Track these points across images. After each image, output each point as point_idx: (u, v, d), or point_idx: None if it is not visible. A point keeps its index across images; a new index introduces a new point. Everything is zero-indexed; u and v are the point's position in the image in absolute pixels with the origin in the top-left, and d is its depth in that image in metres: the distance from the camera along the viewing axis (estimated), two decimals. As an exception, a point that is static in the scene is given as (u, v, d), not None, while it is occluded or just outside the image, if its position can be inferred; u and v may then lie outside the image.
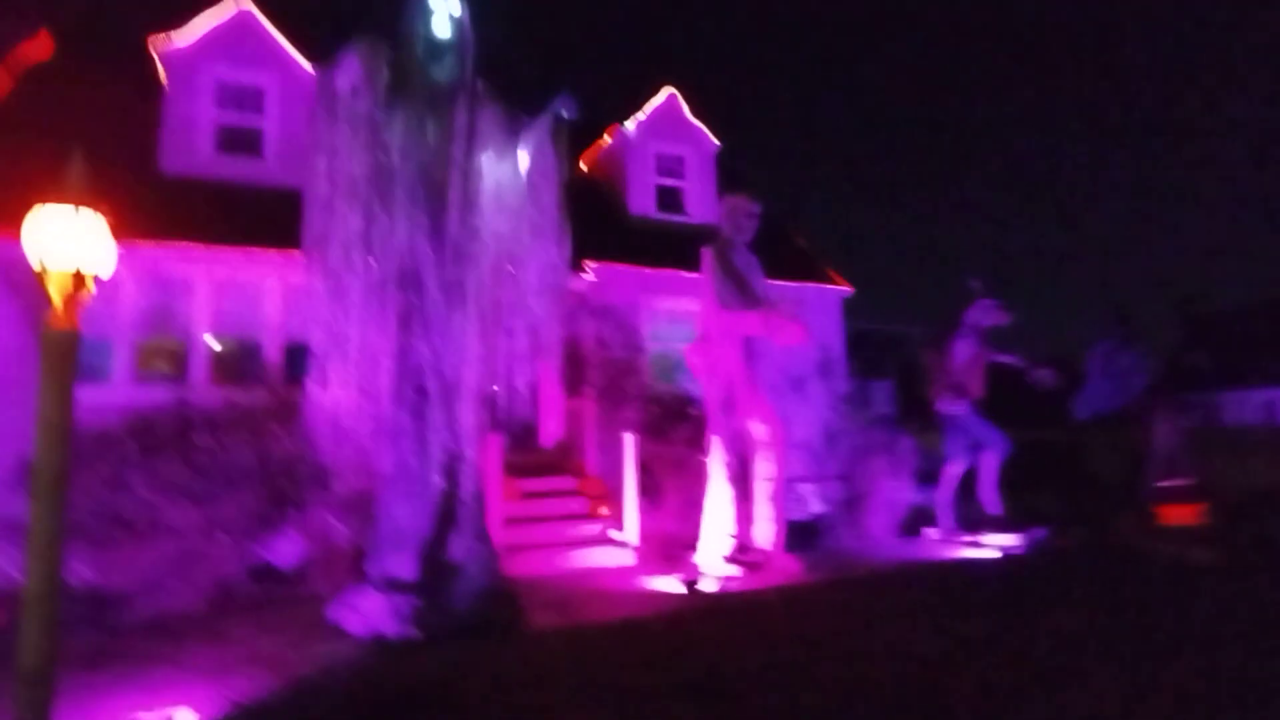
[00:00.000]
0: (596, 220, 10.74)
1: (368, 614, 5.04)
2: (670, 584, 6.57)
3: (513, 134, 5.73)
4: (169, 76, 8.54)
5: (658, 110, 11.28)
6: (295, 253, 5.41)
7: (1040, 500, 11.08)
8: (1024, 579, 6.70)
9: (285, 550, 6.75)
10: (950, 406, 8.86)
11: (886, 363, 16.61)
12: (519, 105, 5.91)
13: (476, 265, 5.67)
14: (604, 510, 8.05)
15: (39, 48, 9.55)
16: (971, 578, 6.92)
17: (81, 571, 5.74)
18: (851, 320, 15.73)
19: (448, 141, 5.56)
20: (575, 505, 8.17)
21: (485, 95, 5.80)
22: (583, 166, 11.98)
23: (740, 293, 7.44)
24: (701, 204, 11.33)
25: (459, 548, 5.46)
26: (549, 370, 9.62)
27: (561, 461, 9.07)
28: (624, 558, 7.59)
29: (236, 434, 6.24)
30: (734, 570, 6.99)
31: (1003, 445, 8.85)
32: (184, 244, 7.55)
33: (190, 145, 8.45)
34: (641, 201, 11.14)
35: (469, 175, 5.64)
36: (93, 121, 8.51)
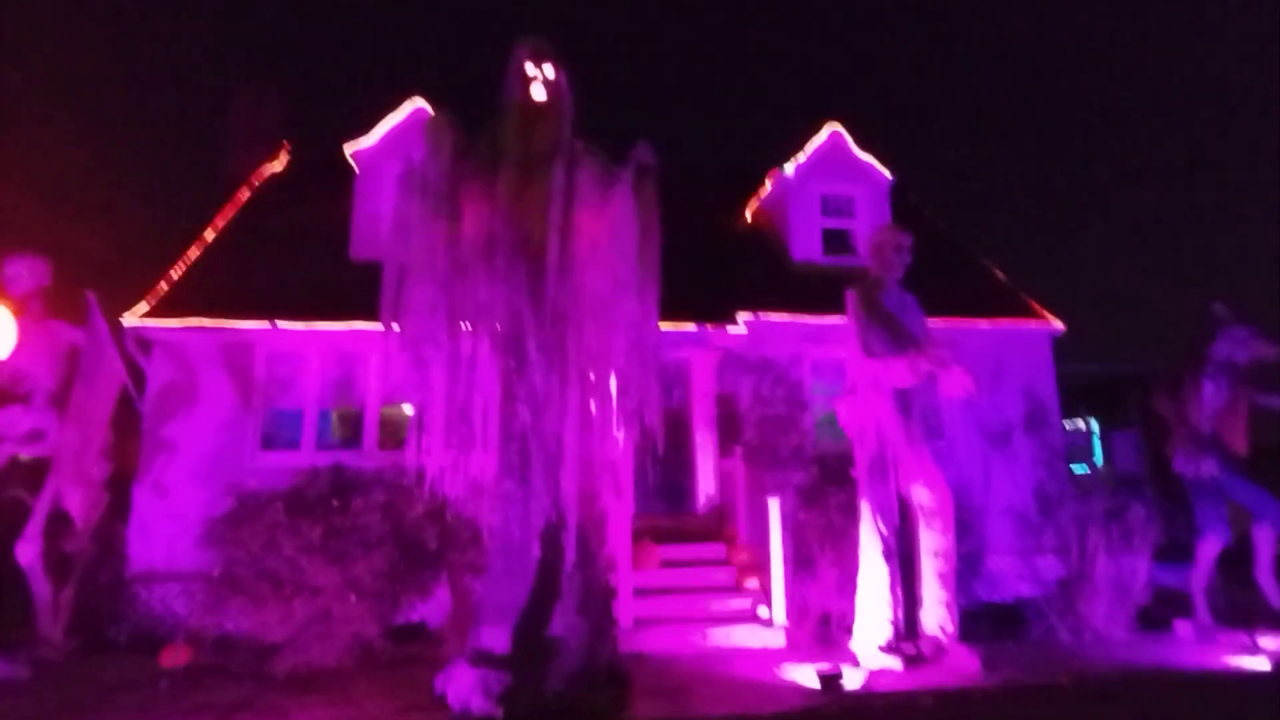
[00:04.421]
0: (756, 270, 10.28)
1: (460, 687, 4.91)
2: (809, 676, 5.71)
3: (609, 189, 5.58)
4: (359, 174, 9.66)
5: (821, 149, 10.63)
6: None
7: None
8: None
9: (426, 611, 6.94)
10: (1194, 466, 6.96)
11: (1130, 410, 13.88)
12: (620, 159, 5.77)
13: (577, 326, 5.54)
14: (751, 583, 7.33)
15: (275, 162, 11.37)
16: (1220, 697, 5.22)
17: (241, 625, 6.33)
18: (1085, 361, 13.45)
19: (545, 204, 5.55)
20: (721, 576, 7.53)
21: (584, 153, 5.74)
22: (747, 217, 11.61)
23: (890, 337, 6.53)
24: (876, 243, 10.36)
25: (560, 622, 5.19)
26: (703, 431, 9.22)
27: (716, 528, 8.50)
28: (771, 638, 6.80)
29: (380, 497, 6.56)
30: (892, 663, 5.94)
31: (1278, 514, 6.76)
32: (361, 322, 8.32)
33: (374, 234, 9.41)
34: (805, 246, 10.46)
35: (567, 236, 5.57)
36: (302, 218, 9.90)
